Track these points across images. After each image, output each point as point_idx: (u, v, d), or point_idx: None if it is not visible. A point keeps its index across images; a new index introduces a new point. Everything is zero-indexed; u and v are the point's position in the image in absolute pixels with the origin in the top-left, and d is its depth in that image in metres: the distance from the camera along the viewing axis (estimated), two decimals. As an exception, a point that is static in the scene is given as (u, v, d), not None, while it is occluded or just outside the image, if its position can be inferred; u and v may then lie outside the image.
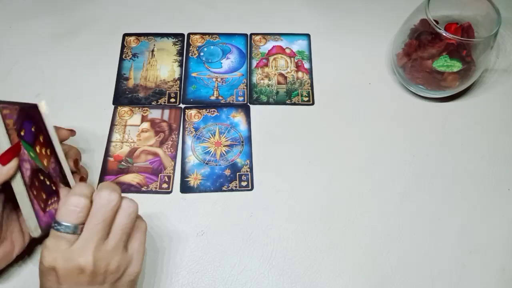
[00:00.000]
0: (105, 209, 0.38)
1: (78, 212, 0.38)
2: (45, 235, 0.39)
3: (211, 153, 0.54)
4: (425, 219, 0.50)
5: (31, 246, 0.46)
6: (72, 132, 0.48)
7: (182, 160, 0.54)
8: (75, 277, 0.38)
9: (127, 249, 0.40)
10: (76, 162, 0.47)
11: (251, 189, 0.52)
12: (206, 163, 0.54)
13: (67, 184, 0.44)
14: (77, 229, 0.38)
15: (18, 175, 0.38)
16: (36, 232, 0.39)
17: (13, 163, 0.37)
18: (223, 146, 0.55)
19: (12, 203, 0.42)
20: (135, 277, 0.41)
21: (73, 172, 0.45)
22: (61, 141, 0.46)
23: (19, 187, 0.38)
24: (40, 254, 0.38)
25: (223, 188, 0.52)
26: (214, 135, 0.56)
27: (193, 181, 0.52)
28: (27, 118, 0.40)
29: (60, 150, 0.43)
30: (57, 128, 0.45)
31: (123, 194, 0.41)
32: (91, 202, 0.39)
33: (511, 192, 0.53)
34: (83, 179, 0.47)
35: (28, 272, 0.46)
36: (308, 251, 0.48)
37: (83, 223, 0.38)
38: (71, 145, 0.49)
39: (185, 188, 0.52)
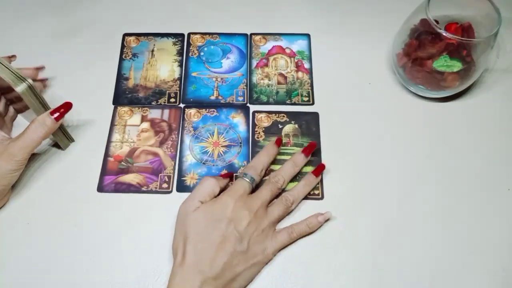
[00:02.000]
0: (275, 188, 0.49)
1: (259, 173, 0.49)
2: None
3: (209, 153, 0.54)
4: (425, 219, 0.50)
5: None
6: (39, 69, 0.57)
7: (180, 159, 0.54)
8: (238, 221, 0.45)
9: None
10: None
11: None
12: (203, 163, 0.54)
13: None
14: (254, 183, 0.48)
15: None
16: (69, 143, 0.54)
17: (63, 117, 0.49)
18: (221, 146, 0.55)
19: None
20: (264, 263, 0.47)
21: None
22: None
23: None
24: (229, 189, 0.47)
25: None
26: (213, 135, 0.56)
27: (189, 180, 0.52)
28: None
29: None
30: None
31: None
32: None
33: (511, 192, 0.53)
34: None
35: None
36: (308, 251, 0.48)
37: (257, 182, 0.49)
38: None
39: (182, 187, 0.52)
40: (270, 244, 0.46)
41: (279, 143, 0.52)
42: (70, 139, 0.54)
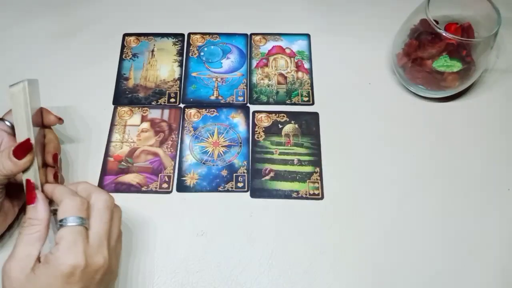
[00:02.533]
0: (109, 210, 0.40)
1: (85, 207, 0.38)
2: None
3: (209, 153, 0.54)
4: (425, 219, 0.50)
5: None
6: (60, 120, 0.49)
7: (180, 159, 0.54)
8: (92, 276, 0.37)
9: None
10: (56, 157, 0.47)
11: (247, 191, 0.52)
12: (203, 163, 0.54)
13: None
14: (86, 223, 0.38)
15: (31, 169, 0.41)
16: None
17: (29, 157, 0.40)
18: (221, 146, 0.55)
19: None
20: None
21: (48, 166, 0.46)
22: (47, 126, 0.48)
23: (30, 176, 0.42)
24: (51, 258, 0.36)
25: (219, 189, 0.52)
26: (213, 135, 0.56)
27: (189, 180, 0.52)
28: None
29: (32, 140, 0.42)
30: (45, 112, 0.47)
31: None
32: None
33: (511, 192, 0.53)
34: (56, 175, 0.46)
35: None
36: (308, 251, 0.48)
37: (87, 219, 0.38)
38: (55, 135, 0.48)
39: (181, 187, 0.52)
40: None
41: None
42: None
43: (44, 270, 0.36)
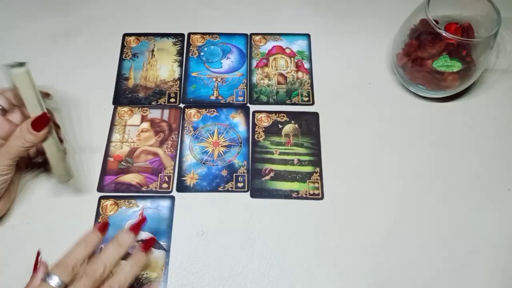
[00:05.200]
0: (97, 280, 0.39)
1: (72, 268, 0.39)
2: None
3: (209, 153, 0.54)
4: (425, 219, 0.50)
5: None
6: (48, 95, 0.53)
7: (180, 159, 0.54)
8: None
9: None
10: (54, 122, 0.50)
11: (247, 191, 0.52)
12: (203, 163, 0.54)
13: None
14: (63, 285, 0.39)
15: (50, 138, 0.46)
16: (69, 178, 0.49)
17: (47, 128, 0.44)
18: (221, 146, 0.55)
19: None
20: None
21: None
22: None
23: (51, 148, 0.46)
24: None
25: (219, 189, 0.52)
26: (213, 135, 0.56)
27: (189, 180, 0.52)
28: None
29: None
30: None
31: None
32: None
33: (511, 192, 0.53)
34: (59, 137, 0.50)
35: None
36: (308, 251, 0.48)
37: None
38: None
39: (181, 187, 0.52)
40: None
41: (102, 229, 0.43)
42: (70, 175, 0.49)
43: None
